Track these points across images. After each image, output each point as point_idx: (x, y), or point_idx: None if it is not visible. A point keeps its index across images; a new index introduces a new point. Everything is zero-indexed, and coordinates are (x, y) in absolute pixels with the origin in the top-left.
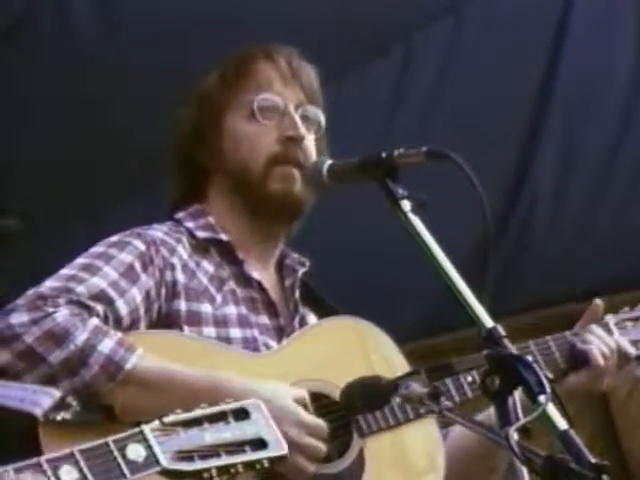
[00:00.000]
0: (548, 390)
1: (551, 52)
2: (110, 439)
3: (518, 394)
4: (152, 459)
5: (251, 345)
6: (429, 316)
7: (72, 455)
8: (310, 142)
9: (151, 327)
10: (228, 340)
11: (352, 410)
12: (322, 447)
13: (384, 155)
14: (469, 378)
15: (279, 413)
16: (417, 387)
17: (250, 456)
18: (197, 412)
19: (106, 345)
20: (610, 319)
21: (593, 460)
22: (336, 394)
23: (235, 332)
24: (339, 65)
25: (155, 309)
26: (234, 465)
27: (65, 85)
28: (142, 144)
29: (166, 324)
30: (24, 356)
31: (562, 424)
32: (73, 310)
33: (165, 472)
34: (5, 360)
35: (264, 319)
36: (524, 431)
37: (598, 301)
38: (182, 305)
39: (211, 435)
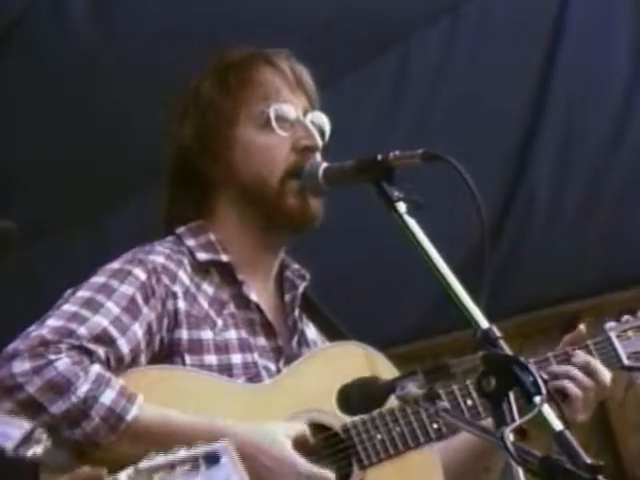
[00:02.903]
0: (544, 391)
1: (548, 51)
2: None
3: (514, 395)
4: None
5: (252, 370)
6: (428, 317)
7: None
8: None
9: (153, 358)
10: (229, 366)
11: (348, 410)
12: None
13: (380, 157)
14: (469, 402)
15: (278, 465)
16: (413, 388)
17: None
18: (169, 457)
19: (108, 396)
20: (612, 328)
21: (589, 461)
22: (336, 425)
23: (236, 358)
24: (336, 66)
25: (157, 341)
26: None
27: (63, 86)
28: (141, 146)
29: (168, 353)
30: (26, 406)
31: (558, 425)
32: (74, 358)
33: None
34: (8, 410)
35: (262, 341)
36: (520, 432)
37: (582, 327)
38: (184, 334)
39: None
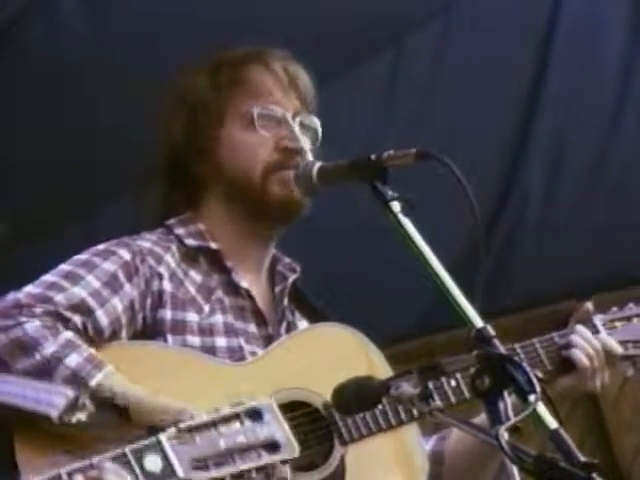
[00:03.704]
0: (538, 390)
1: (541, 51)
2: (128, 449)
3: (508, 394)
4: (169, 470)
5: (237, 354)
6: (425, 316)
7: (91, 465)
8: (308, 150)
9: (134, 337)
10: (213, 349)
11: (343, 410)
12: None
13: (373, 157)
14: (452, 383)
15: None
16: (408, 388)
17: (263, 460)
18: (212, 416)
19: (73, 359)
20: (598, 320)
21: (583, 459)
22: (318, 402)
23: (221, 341)
24: (332, 66)
25: (139, 319)
26: (248, 471)
27: (58, 85)
28: (137, 144)
29: (151, 333)
30: None
31: (552, 423)
32: (47, 322)
33: None
34: None
35: (252, 327)
36: (515, 430)
37: (589, 304)
38: (167, 314)
39: (226, 439)
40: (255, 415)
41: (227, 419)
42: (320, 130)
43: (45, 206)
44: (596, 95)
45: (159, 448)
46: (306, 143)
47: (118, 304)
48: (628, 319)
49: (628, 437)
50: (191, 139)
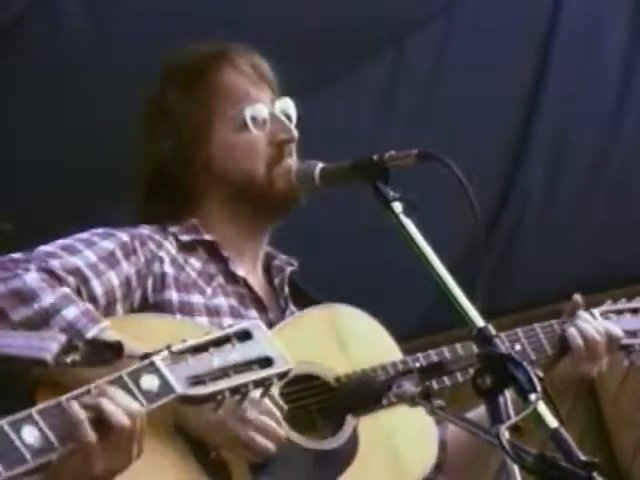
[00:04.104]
0: (539, 389)
1: (541, 51)
2: (124, 372)
3: (509, 393)
4: (166, 387)
5: None
6: (427, 316)
7: (88, 391)
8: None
9: (131, 312)
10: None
11: (346, 410)
12: (275, 427)
13: (375, 158)
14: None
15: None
16: (409, 386)
17: (259, 374)
18: (203, 339)
19: (71, 312)
20: (595, 310)
21: (584, 458)
22: (328, 376)
23: (228, 321)
24: (332, 67)
25: (137, 296)
26: (245, 384)
27: (60, 85)
28: (138, 144)
29: (157, 312)
30: None
31: (553, 422)
32: (43, 276)
33: (180, 398)
34: None
35: (253, 313)
36: (516, 429)
37: (577, 296)
38: (173, 295)
39: (219, 358)
40: (245, 335)
41: (218, 341)
42: (294, 111)
43: (46, 207)
44: (596, 95)
45: (154, 369)
46: (294, 130)
47: (114, 278)
48: (620, 312)
49: (628, 434)
50: (180, 155)
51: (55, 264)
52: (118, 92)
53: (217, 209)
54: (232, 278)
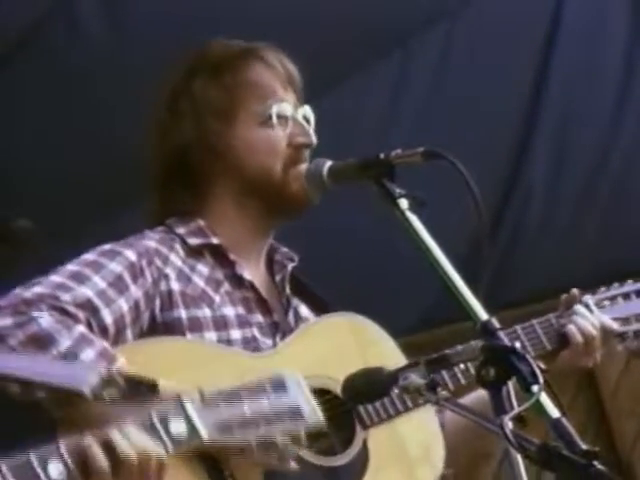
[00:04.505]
0: (541, 380)
1: (543, 52)
2: (154, 414)
3: (512, 384)
4: (194, 433)
5: (251, 345)
6: (431, 310)
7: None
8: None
9: (141, 336)
10: (229, 342)
11: (353, 400)
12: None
13: (382, 156)
14: (462, 365)
15: None
16: (415, 378)
17: (287, 426)
18: (237, 386)
19: (88, 354)
20: (589, 299)
21: (585, 447)
22: (338, 389)
23: (235, 333)
24: (341, 68)
25: (145, 320)
26: (272, 434)
27: (77, 88)
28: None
29: (166, 333)
30: None
31: (554, 412)
32: (56, 317)
33: (207, 444)
34: None
35: (258, 317)
36: (519, 420)
37: (575, 290)
38: (182, 313)
39: (250, 407)
40: (279, 385)
41: (251, 389)
42: (313, 120)
43: (62, 210)
44: (598, 93)
45: (183, 413)
46: (314, 136)
47: (124, 304)
48: (614, 298)
49: (628, 424)
50: (202, 140)
51: (66, 299)
52: (134, 95)
53: (228, 201)
54: (238, 282)
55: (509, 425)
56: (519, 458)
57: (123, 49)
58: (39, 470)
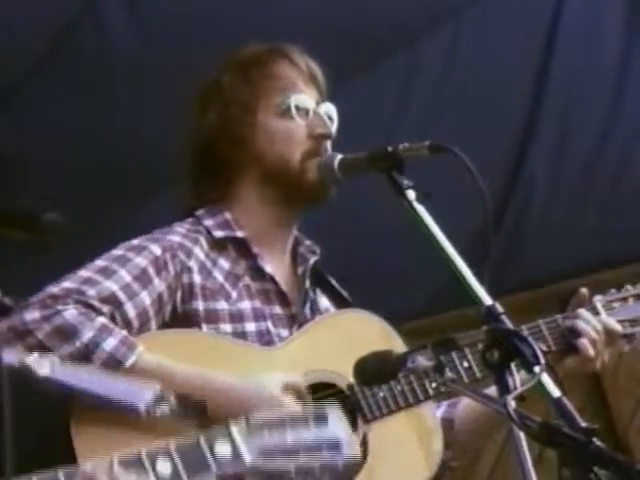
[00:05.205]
0: (542, 361)
1: (544, 51)
2: (201, 436)
3: (515, 365)
4: (237, 457)
5: (265, 337)
6: (437, 296)
7: (167, 449)
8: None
9: (164, 326)
10: (244, 334)
11: (365, 381)
12: None
13: (390, 149)
14: (465, 364)
15: (264, 404)
16: (423, 360)
17: (326, 457)
18: (282, 415)
19: (109, 343)
20: (598, 301)
21: (584, 424)
22: (342, 383)
23: (250, 326)
24: (352, 65)
25: (168, 311)
26: (311, 465)
27: (104, 89)
28: (175, 143)
29: (184, 323)
30: (35, 350)
31: (555, 392)
32: (80, 310)
33: (248, 469)
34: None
35: (277, 309)
36: (522, 399)
37: (584, 290)
38: (200, 305)
39: (292, 436)
40: (321, 417)
41: (295, 419)
42: (335, 116)
43: (84, 205)
44: (596, 87)
45: (229, 437)
46: (333, 129)
47: (146, 298)
48: (624, 300)
49: (625, 402)
50: (226, 128)
51: (91, 293)
52: (156, 94)
53: (251, 190)
54: (259, 274)
55: (512, 404)
56: (522, 436)
57: (147, 50)
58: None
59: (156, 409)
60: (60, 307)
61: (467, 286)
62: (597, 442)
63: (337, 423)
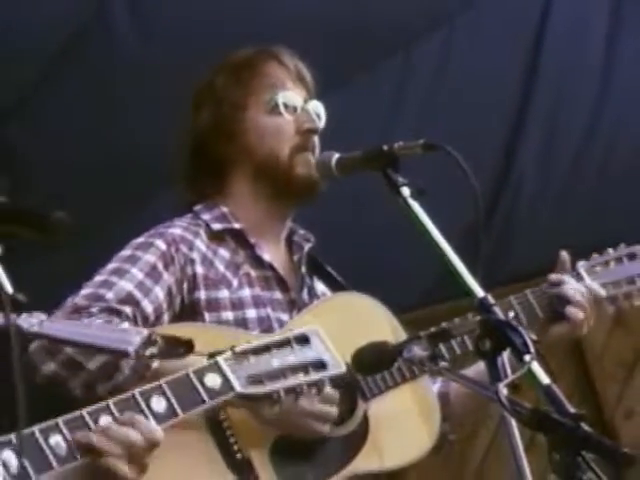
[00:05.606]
0: (532, 350)
1: (533, 49)
2: (190, 370)
3: (506, 354)
4: (227, 386)
5: (266, 323)
6: (429, 288)
7: (160, 387)
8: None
9: (174, 318)
10: (244, 321)
11: (362, 371)
12: (333, 411)
13: (385, 147)
14: (458, 338)
15: (285, 412)
16: (418, 350)
17: (312, 376)
18: (265, 340)
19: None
20: (581, 267)
21: (572, 410)
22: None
23: (251, 312)
24: (349, 66)
25: (177, 302)
26: (299, 385)
27: (110, 93)
28: (176, 143)
29: (189, 312)
30: (67, 365)
31: (545, 379)
32: (105, 318)
33: (239, 396)
34: (52, 370)
35: (277, 294)
36: (513, 387)
37: (564, 253)
38: (202, 294)
39: (277, 360)
40: (303, 339)
41: (278, 343)
42: (323, 113)
43: (91, 205)
44: (582, 85)
45: (217, 368)
46: (320, 125)
47: (160, 292)
48: (606, 263)
49: (611, 388)
50: (218, 126)
51: (110, 297)
52: (158, 95)
53: (244, 185)
54: (258, 263)
55: (504, 392)
56: (513, 422)
57: (150, 53)
58: (41, 441)
59: (144, 351)
60: (86, 320)
61: (460, 279)
62: (585, 427)
63: (319, 343)
